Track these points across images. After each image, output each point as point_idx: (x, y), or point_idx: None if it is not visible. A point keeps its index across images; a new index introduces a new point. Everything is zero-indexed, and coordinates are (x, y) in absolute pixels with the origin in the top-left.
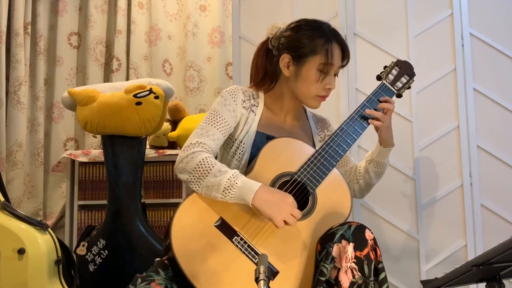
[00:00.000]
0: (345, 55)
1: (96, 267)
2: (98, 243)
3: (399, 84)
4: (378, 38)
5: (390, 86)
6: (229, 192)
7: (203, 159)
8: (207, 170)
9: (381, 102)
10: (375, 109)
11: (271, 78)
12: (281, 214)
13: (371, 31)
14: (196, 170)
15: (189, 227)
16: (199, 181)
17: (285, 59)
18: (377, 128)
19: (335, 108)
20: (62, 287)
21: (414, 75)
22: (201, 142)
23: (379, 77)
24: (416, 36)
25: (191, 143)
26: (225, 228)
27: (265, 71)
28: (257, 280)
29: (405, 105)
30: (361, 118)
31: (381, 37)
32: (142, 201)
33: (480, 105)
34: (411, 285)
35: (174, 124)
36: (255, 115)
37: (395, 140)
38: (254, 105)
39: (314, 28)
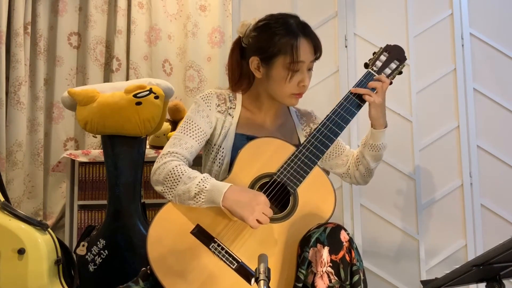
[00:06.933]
0: (316, 48)
1: (96, 267)
2: (98, 243)
3: (387, 71)
4: (378, 38)
5: (376, 75)
6: (199, 197)
7: (173, 167)
8: (177, 179)
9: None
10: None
11: (248, 78)
12: (253, 213)
13: (371, 31)
14: (168, 180)
15: (165, 236)
16: (172, 191)
17: (254, 61)
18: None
19: None
20: (62, 287)
21: (405, 59)
22: (172, 152)
23: (366, 65)
24: (416, 36)
25: (163, 154)
26: (202, 235)
27: (241, 71)
28: (257, 280)
29: (405, 105)
30: (345, 111)
31: (381, 37)
32: (142, 201)
33: (480, 105)
34: (411, 285)
35: (174, 124)
36: (232, 117)
37: (394, 140)
38: (231, 108)
39: (279, 26)
